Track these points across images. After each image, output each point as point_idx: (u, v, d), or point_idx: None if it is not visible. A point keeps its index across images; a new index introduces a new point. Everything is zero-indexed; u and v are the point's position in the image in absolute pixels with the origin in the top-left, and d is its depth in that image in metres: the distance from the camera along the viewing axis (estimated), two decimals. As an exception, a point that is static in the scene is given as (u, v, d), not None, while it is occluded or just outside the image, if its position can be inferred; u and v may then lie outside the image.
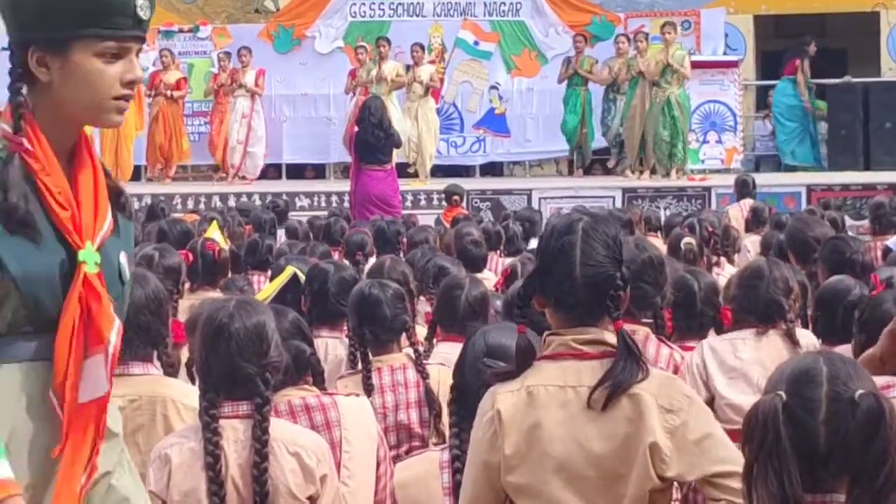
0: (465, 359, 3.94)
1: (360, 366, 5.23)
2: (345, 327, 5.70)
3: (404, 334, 5.23)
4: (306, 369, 4.43)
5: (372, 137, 15.53)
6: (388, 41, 19.74)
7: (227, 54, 20.49)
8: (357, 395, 4.63)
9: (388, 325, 5.18)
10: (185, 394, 4.34)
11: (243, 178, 20.16)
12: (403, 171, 18.55)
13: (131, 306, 4.31)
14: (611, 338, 3.38)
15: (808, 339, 5.50)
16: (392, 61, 19.54)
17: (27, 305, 2.99)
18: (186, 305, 6.71)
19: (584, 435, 3.33)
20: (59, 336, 3.01)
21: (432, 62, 20.40)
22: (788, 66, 20.27)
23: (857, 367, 2.64)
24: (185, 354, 5.22)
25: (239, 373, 3.77)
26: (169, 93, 20.18)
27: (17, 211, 2.96)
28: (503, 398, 3.41)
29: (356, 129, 16.06)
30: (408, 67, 19.67)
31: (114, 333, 3.10)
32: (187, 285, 7.32)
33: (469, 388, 3.83)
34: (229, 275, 7.67)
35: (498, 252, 9.89)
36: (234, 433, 3.77)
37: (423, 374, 5.08)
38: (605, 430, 3.32)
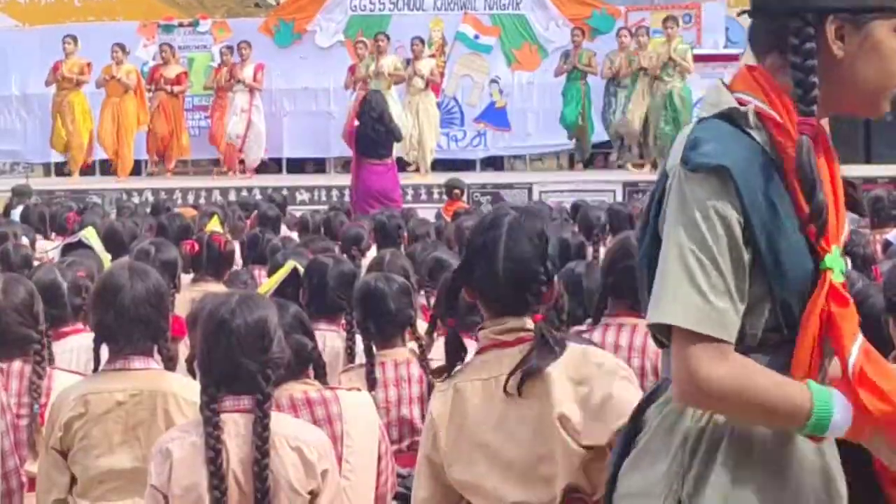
0: None
1: (357, 360, 5.23)
2: (342, 321, 5.71)
3: (409, 329, 5.24)
4: (308, 363, 4.44)
5: (372, 132, 15.52)
6: (387, 36, 19.73)
7: (230, 48, 20.46)
8: (359, 389, 4.64)
9: (392, 320, 5.19)
10: (186, 388, 4.34)
11: (242, 171, 20.15)
12: (403, 166, 18.56)
13: (133, 300, 4.32)
14: (530, 324, 3.47)
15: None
16: (391, 56, 19.51)
17: (776, 314, 2.58)
18: (189, 297, 6.73)
19: (506, 422, 3.43)
20: (798, 354, 2.57)
21: (433, 56, 20.39)
22: None
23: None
24: (183, 350, 5.24)
25: (240, 369, 3.77)
26: (169, 88, 20.17)
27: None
28: (434, 400, 3.56)
29: (356, 123, 16.05)
30: (408, 62, 19.67)
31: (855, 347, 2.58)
32: (190, 276, 7.34)
33: None
34: (233, 267, 7.69)
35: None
36: (236, 427, 3.77)
37: (426, 369, 5.08)
38: (521, 414, 3.41)
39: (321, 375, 4.49)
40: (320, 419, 4.34)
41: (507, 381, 3.40)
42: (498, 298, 3.49)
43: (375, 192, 15.27)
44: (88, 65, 19.82)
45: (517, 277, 3.45)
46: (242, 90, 20.11)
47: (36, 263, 7.90)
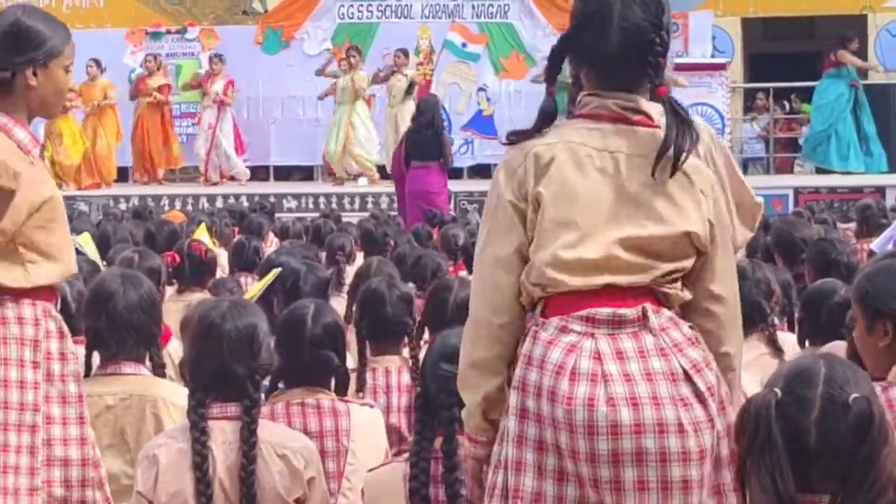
0: (426, 363, 3.93)
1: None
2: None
3: (406, 338, 5.24)
4: (330, 376, 4.42)
5: (419, 135, 15.50)
6: (359, 50, 19.78)
7: (220, 57, 20.48)
8: (372, 405, 4.61)
9: (387, 325, 5.18)
10: (175, 393, 4.35)
11: (232, 178, 20.16)
12: (384, 175, 18.62)
13: (126, 306, 4.32)
14: (647, 107, 3.32)
15: (789, 343, 5.52)
16: (361, 71, 19.55)
17: None
18: (174, 308, 6.73)
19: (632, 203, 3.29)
20: None
21: (420, 64, 20.43)
22: (826, 61, 19.83)
23: (856, 372, 2.66)
24: (177, 355, 5.23)
25: (229, 374, 3.78)
26: (154, 94, 20.14)
27: None
28: (540, 148, 3.34)
29: (410, 125, 16.07)
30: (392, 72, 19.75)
31: None
32: (174, 287, 7.33)
33: (429, 393, 3.83)
34: (217, 275, 7.68)
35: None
36: (223, 435, 3.78)
37: (416, 380, 5.06)
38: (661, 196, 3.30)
39: (341, 391, 4.48)
40: (327, 430, 4.32)
41: (655, 164, 3.25)
42: (612, 66, 3.29)
43: (426, 193, 15.12)
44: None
45: (632, 44, 3.26)
46: (211, 106, 20.14)
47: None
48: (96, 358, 4.42)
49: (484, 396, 3.33)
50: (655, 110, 3.33)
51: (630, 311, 3.23)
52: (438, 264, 7.33)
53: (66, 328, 4.01)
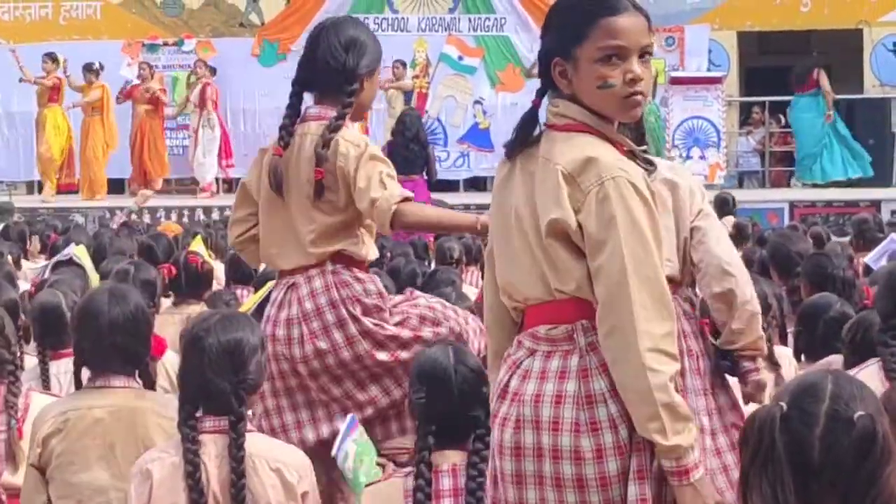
0: (410, 380, 3.99)
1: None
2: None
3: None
4: None
5: (406, 150, 15.55)
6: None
7: (204, 63, 20.52)
8: None
9: None
10: (165, 405, 4.33)
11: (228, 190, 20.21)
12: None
13: (110, 327, 4.29)
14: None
15: (786, 357, 5.52)
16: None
17: None
18: (171, 321, 6.72)
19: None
20: None
21: (416, 77, 20.46)
22: (809, 80, 19.92)
23: (862, 389, 2.65)
24: (173, 367, 5.22)
25: (211, 387, 3.76)
26: (150, 88, 20.17)
27: None
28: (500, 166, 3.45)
29: (391, 140, 16.12)
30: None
31: None
32: (171, 300, 7.32)
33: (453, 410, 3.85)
34: (214, 287, 7.67)
35: (478, 266, 9.91)
36: (216, 448, 3.76)
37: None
38: None
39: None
40: None
41: None
42: None
43: None
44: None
45: None
46: (194, 112, 20.27)
47: (20, 282, 7.89)
48: (86, 371, 4.40)
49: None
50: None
51: (561, 330, 3.23)
52: (453, 281, 7.35)
53: None
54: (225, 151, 20.59)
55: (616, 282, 3.09)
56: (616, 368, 3.12)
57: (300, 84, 5.03)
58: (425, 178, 15.81)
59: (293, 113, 4.99)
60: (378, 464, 4.21)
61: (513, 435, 3.21)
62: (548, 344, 3.23)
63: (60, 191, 20.00)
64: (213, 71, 20.63)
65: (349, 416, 4.49)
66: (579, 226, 3.15)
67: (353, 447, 4.13)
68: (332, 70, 4.89)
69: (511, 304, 3.36)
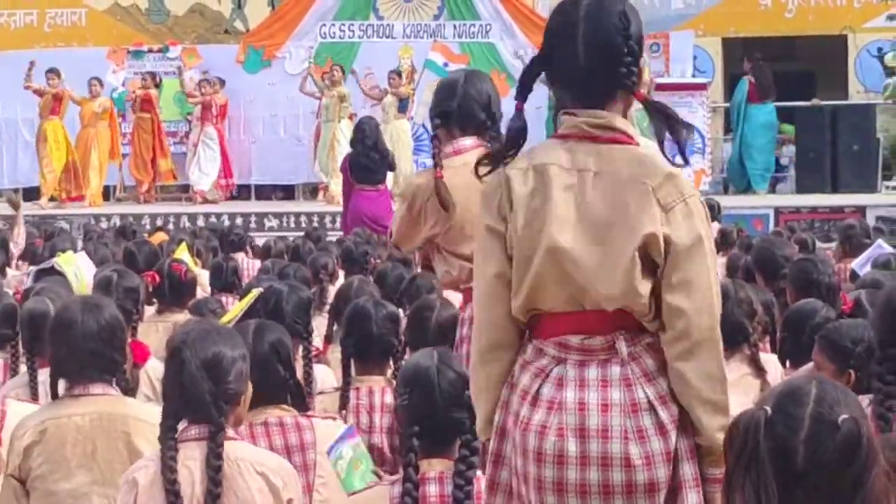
0: (396, 385, 3.98)
1: (318, 386, 5.21)
2: (300, 346, 5.68)
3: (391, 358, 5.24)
4: (282, 391, 4.41)
5: (366, 159, 15.47)
6: (342, 69, 19.81)
7: (208, 81, 20.50)
8: (334, 418, 4.62)
9: (372, 342, 5.17)
10: (145, 411, 4.33)
11: (214, 201, 20.17)
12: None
13: (84, 336, 4.28)
14: (622, 124, 3.36)
15: (772, 363, 5.52)
16: (343, 87, 19.60)
17: None
18: (153, 329, 6.70)
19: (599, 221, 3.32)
20: None
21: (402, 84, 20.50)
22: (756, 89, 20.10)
23: (846, 394, 2.66)
24: (156, 375, 5.20)
25: (191, 397, 3.76)
26: (145, 86, 20.21)
27: None
28: (513, 174, 3.37)
29: (350, 149, 16.07)
30: (385, 91, 19.80)
31: None
32: (154, 308, 7.29)
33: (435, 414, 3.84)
34: (199, 295, 7.65)
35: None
36: (202, 454, 3.76)
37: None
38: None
39: (299, 404, 4.48)
40: (293, 445, 4.33)
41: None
42: (578, 85, 3.36)
43: (367, 218, 15.09)
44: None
45: (601, 56, 3.32)
46: (196, 125, 20.37)
47: (6, 290, 7.86)
48: (62, 382, 4.40)
49: None
50: (633, 129, 3.37)
51: (598, 341, 3.25)
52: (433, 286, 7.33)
53: None
54: (225, 170, 20.57)
55: (703, 295, 3.23)
56: (693, 378, 3.22)
57: None
58: (387, 186, 15.85)
59: None
60: (374, 472, 4.20)
61: (556, 442, 3.22)
62: (580, 353, 3.26)
63: (68, 201, 19.85)
64: (222, 83, 20.59)
65: (347, 425, 4.47)
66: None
67: (350, 452, 4.13)
68: None
69: (550, 307, 3.29)
